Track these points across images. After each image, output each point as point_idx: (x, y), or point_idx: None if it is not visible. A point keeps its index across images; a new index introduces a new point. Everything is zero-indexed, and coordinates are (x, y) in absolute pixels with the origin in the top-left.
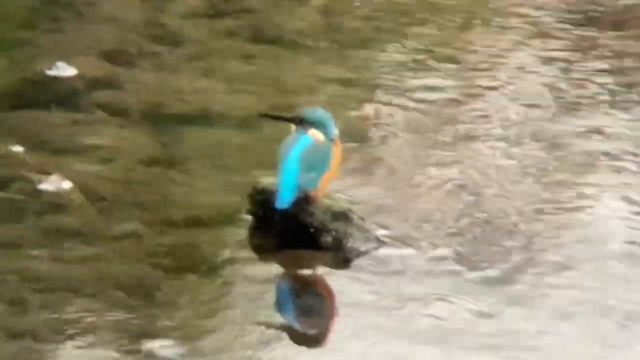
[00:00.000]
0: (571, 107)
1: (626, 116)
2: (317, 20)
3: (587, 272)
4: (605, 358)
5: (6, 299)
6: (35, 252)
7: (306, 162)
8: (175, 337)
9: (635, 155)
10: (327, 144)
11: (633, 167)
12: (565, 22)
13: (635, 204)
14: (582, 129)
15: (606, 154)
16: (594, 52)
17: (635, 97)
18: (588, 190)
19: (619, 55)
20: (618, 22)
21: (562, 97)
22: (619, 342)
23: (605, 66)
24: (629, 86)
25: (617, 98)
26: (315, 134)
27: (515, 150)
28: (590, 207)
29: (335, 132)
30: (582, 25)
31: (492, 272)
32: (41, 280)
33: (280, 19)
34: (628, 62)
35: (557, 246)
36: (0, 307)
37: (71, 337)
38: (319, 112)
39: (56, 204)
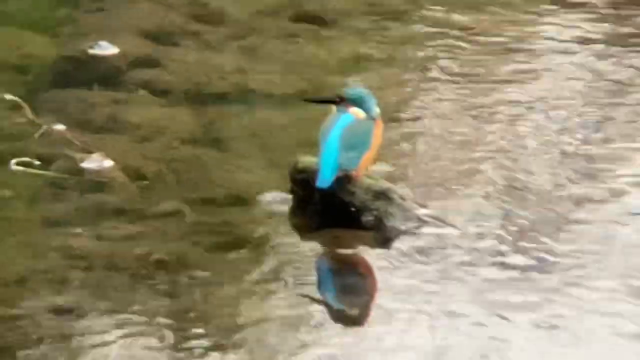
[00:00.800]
0: (619, 90)
1: None
2: None
3: (627, 262)
4: None
5: (49, 276)
6: (77, 230)
7: (347, 142)
8: (216, 315)
9: None
10: (368, 123)
11: None
12: None
13: None
14: (629, 111)
15: None
16: None
17: None
18: (630, 180)
19: None
20: None
21: (610, 80)
22: None
23: None
24: None
25: None
26: (356, 112)
27: (559, 133)
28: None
29: (376, 111)
30: None
31: (532, 253)
32: (83, 257)
33: None
34: None
35: (596, 234)
36: (43, 284)
37: (112, 314)
38: (359, 91)
39: (98, 182)
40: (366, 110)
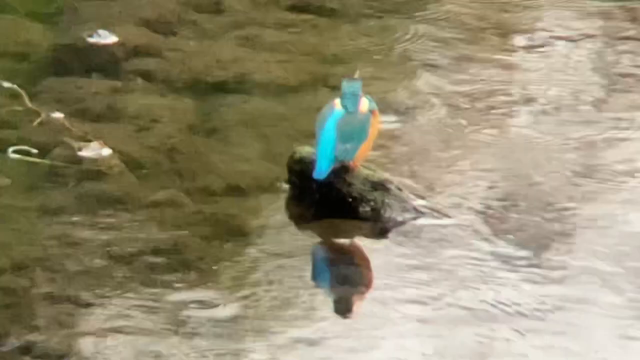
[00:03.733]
0: (620, 85)
1: None
2: None
3: (621, 251)
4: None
5: (46, 265)
6: (75, 219)
7: (343, 133)
8: (213, 305)
9: None
10: (364, 114)
11: None
12: None
13: None
14: (629, 105)
15: None
16: None
17: None
18: (626, 168)
19: None
20: None
21: (610, 73)
22: None
23: None
24: None
25: None
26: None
27: (556, 124)
28: (629, 183)
29: (373, 104)
30: None
31: (529, 245)
32: (80, 246)
33: None
34: None
35: (592, 224)
36: (40, 272)
37: (109, 303)
38: (348, 84)
39: (96, 171)
40: (352, 104)
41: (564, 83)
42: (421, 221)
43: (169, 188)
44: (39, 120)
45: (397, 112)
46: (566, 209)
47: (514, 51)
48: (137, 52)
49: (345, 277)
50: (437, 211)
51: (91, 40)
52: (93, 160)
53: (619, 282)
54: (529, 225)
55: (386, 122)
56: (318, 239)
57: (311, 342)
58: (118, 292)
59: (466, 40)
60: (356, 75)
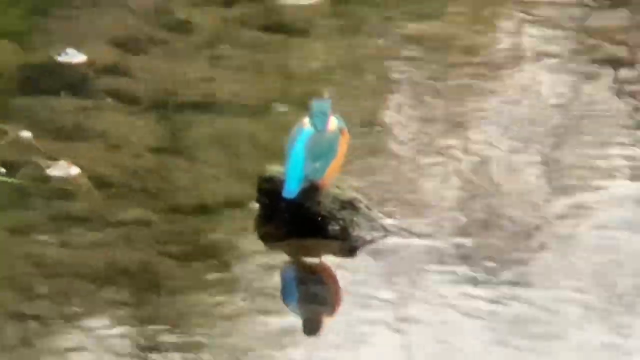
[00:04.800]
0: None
1: None
2: (326, 8)
3: (595, 262)
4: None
5: (14, 283)
6: (43, 238)
7: (313, 152)
8: (180, 325)
9: None
10: (334, 134)
11: None
12: None
13: None
14: (594, 113)
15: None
16: None
17: None
18: (595, 183)
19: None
20: None
21: (578, 89)
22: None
23: None
24: None
25: None
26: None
27: (526, 140)
28: (600, 193)
29: (341, 122)
30: None
31: (498, 264)
32: (48, 265)
33: (290, 8)
34: None
35: (564, 237)
36: (8, 292)
37: (77, 322)
38: (317, 104)
39: (64, 190)
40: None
41: (532, 102)
42: (390, 240)
43: (138, 207)
44: (7, 139)
45: (366, 130)
46: (540, 226)
47: (484, 73)
48: (106, 71)
49: (313, 296)
50: (406, 230)
51: (60, 59)
52: (61, 179)
53: (593, 301)
54: (498, 245)
55: (355, 140)
56: (287, 258)
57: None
58: (85, 311)
59: (438, 61)
60: (325, 95)
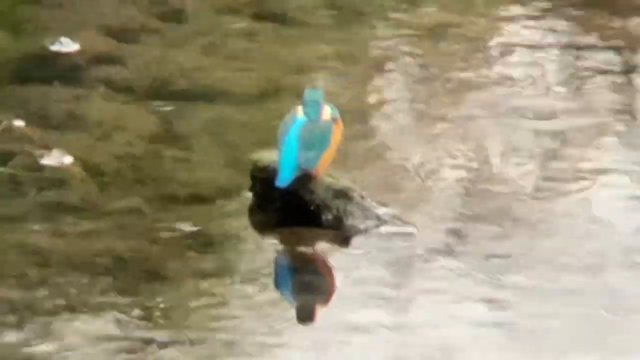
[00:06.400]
0: (577, 87)
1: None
2: None
3: (588, 251)
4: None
5: (6, 272)
6: (35, 227)
7: (305, 141)
8: (174, 314)
9: None
10: (327, 123)
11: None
12: None
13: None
14: (587, 105)
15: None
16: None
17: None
18: (590, 170)
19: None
20: None
21: (569, 78)
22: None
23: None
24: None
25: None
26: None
27: (519, 128)
28: (591, 187)
29: (335, 112)
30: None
31: (493, 255)
32: (41, 254)
33: None
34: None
35: (561, 230)
36: (0, 281)
37: (69, 311)
38: (310, 93)
39: (57, 179)
40: (315, 112)
41: (528, 92)
42: (383, 229)
43: (131, 196)
44: (0, 128)
45: (359, 119)
46: (533, 214)
47: (480, 62)
48: (99, 59)
49: (307, 285)
50: (400, 219)
51: (53, 48)
52: (54, 169)
53: (586, 295)
54: (492, 236)
55: (348, 129)
56: (280, 247)
57: (271, 349)
58: (78, 300)
59: (433, 51)
60: (319, 84)
